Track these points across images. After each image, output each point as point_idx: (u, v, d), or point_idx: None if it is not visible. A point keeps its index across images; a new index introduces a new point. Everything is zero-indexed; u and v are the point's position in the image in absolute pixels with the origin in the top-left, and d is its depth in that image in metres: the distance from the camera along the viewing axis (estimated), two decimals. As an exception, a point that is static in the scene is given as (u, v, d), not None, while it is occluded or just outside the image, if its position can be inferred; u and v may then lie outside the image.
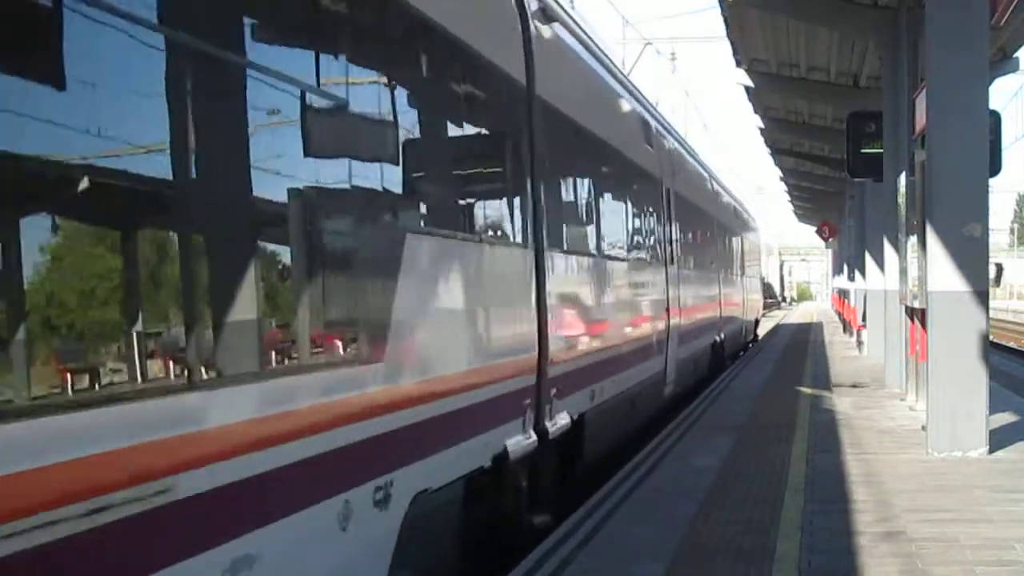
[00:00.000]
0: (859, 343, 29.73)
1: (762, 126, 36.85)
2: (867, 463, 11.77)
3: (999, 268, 40.99)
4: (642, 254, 15.49)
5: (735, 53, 26.63)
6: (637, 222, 15.36)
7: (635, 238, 15.15)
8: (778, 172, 52.72)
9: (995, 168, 14.71)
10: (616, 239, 13.65)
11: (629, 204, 14.82)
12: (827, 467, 11.54)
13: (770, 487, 10.48)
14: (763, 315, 78.87)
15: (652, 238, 16.46)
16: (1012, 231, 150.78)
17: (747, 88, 29.55)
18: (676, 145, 20.89)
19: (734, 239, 33.02)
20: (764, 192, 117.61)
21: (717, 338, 25.43)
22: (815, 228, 57.22)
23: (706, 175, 26.95)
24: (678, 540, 8.44)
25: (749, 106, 33.95)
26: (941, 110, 12.10)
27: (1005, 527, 8.75)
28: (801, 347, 33.59)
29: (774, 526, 8.84)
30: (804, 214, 71.99)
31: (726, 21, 23.34)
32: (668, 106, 46.36)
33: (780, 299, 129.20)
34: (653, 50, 52.82)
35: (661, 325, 16.34)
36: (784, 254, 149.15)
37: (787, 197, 66.50)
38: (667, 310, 16.84)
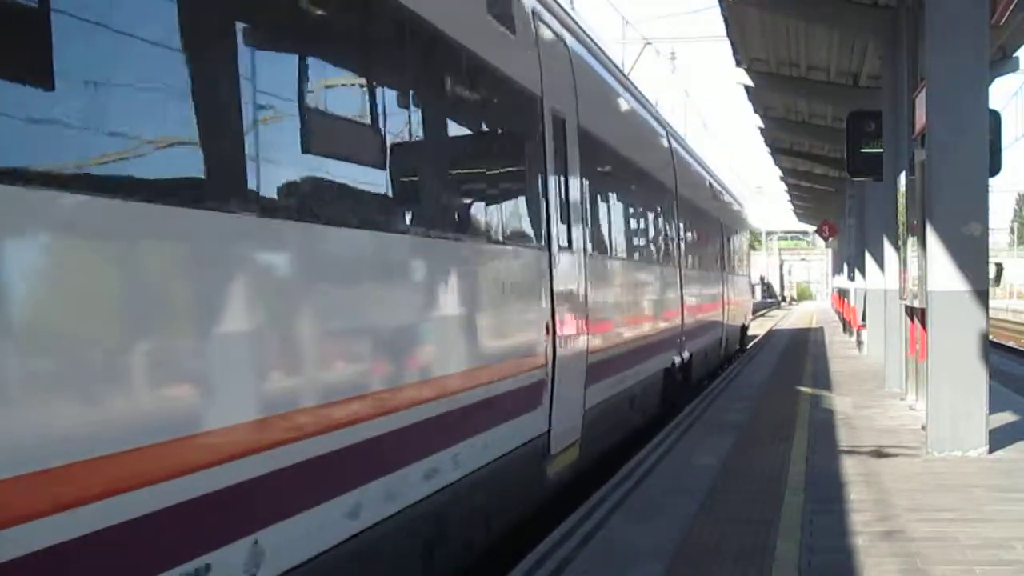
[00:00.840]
0: (859, 343, 29.74)
1: (762, 126, 36.85)
2: (867, 463, 11.78)
3: (999, 267, 40.97)
4: (476, 226, 8.41)
5: (735, 53, 26.63)
6: (456, 165, 8.13)
7: (447, 193, 7.94)
8: (778, 172, 52.72)
9: (995, 168, 14.69)
10: (371, 188, 6.64)
11: (426, 122, 7.58)
12: (827, 466, 11.54)
13: (770, 486, 10.48)
14: (762, 315, 78.99)
15: (511, 200, 9.34)
16: (1012, 230, 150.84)
17: (747, 88, 29.54)
18: (585, 56, 12.92)
19: (710, 224, 25.70)
20: (764, 192, 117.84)
21: (677, 359, 18.56)
22: (815, 228, 57.17)
23: (653, 123, 18.79)
24: (678, 540, 8.44)
25: (749, 106, 33.96)
26: (941, 110, 12.10)
27: (1005, 526, 8.75)
28: (801, 346, 33.58)
29: (774, 525, 8.84)
30: (804, 214, 72.01)
31: (726, 21, 23.34)
32: (668, 106, 46.13)
33: (780, 299, 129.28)
34: (653, 50, 52.82)
35: (534, 356, 9.43)
36: (784, 253, 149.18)
37: (787, 197, 66.53)
38: (550, 327, 9.79)
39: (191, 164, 4.73)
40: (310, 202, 5.75)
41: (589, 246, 11.59)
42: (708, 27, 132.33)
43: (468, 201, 8.33)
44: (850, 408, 16.70)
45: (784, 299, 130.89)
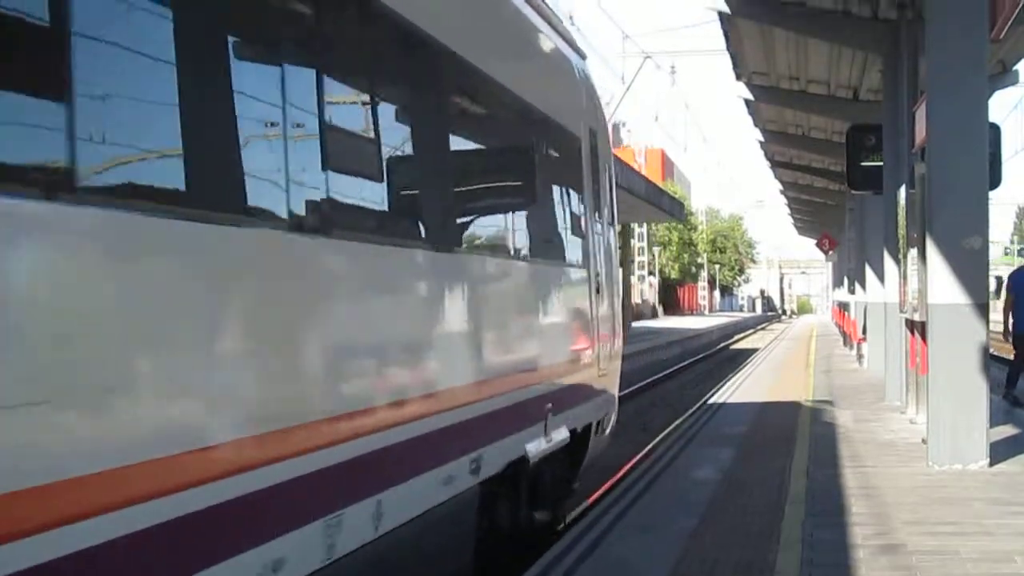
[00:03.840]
0: (859, 356, 29.75)
1: (762, 139, 36.88)
2: (867, 476, 11.77)
3: (999, 281, 40.99)
4: None
5: (735, 66, 26.66)
6: None
7: None
8: (778, 185, 52.76)
9: (995, 181, 14.73)
10: None
11: None
12: (827, 480, 11.53)
13: (770, 499, 10.47)
14: (762, 328, 78.74)
15: None
16: (1012, 243, 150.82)
17: (747, 101, 29.57)
18: None
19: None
20: (764, 205, 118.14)
21: None
22: (815, 241, 57.24)
23: None
24: (678, 553, 8.43)
25: (749, 119, 33.99)
26: (941, 123, 12.11)
27: (1005, 540, 8.74)
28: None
29: (774, 539, 8.83)
30: (804, 227, 72.07)
31: (726, 34, 23.36)
32: (668, 119, 46.00)
33: (780, 311, 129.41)
34: (653, 64, 52.91)
35: None
36: (784, 267, 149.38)
37: (787, 210, 66.59)
38: None
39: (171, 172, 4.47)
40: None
41: None
42: (708, 41, 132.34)
43: None
44: (850, 421, 16.69)
45: (784, 312, 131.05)
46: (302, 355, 5.58)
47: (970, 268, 11.93)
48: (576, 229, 11.30)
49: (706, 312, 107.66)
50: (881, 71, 20.63)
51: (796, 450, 13.70)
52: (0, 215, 3.66)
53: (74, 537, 3.85)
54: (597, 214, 12.17)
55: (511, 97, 9.28)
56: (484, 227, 8.85)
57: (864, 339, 28.20)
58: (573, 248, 11.11)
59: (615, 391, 12.98)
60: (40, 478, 3.73)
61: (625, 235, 61.21)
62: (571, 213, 11.23)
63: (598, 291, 11.80)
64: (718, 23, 22.26)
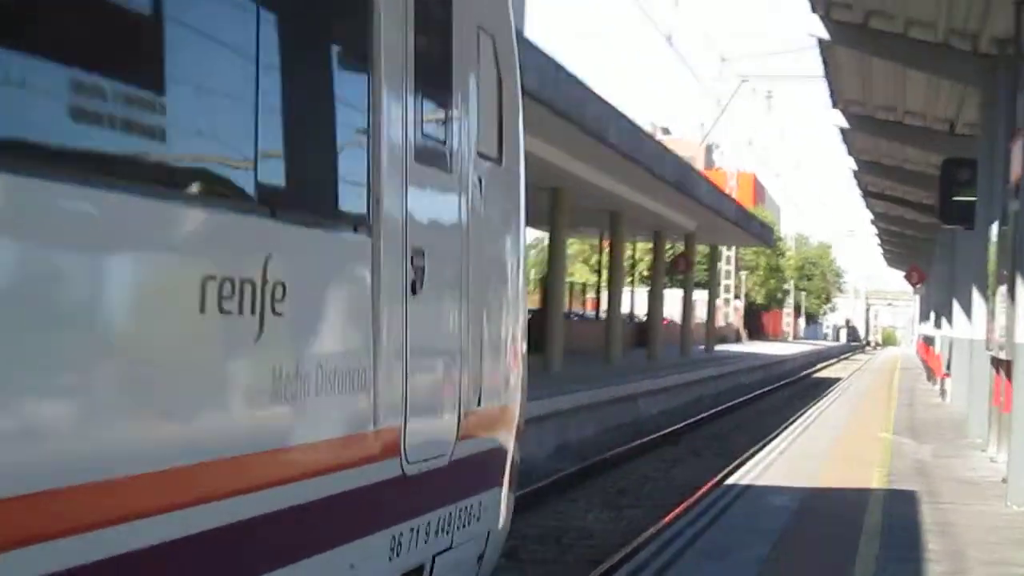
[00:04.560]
0: (943, 391, 29.48)
1: (855, 168, 36.63)
2: (944, 512, 11.68)
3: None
4: None
5: (831, 94, 26.55)
6: None
7: None
8: (869, 215, 52.36)
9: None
10: None
11: None
12: (903, 514, 11.46)
13: (845, 531, 10.43)
14: (845, 357, 77.95)
15: None
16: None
17: (842, 129, 29.41)
18: None
19: None
20: (855, 234, 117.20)
21: None
22: (903, 273, 56.71)
23: None
24: (749, 579, 8.44)
25: (843, 147, 33.79)
26: (1036, 161, 12.03)
27: (1082, 586, 8.66)
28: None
29: (848, 572, 8.80)
30: (893, 258, 71.47)
31: (824, 62, 23.29)
32: (761, 144, 45.86)
33: (865, 343, 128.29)
34: (749, 88, 52.82)
35: None
36: (871, 298, 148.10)
37: (877, 240, 66.05)
38: None
39: None
40: None
41: None
42: (806, 66, 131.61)
43: None
44: (930, 456, 16.55)
45: (868, 343, 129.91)
46: None
47: (1059, 309, 11.82)
48: (338, 146, 5.23)
49: (790, 339, 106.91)
50: (979, 105, 20.47)
51: (873, 482, 13.63)
52: None
53: None
54: (442, 130, 5.99)
55: None
56: None
57: (948, 374, 27.93)
58: (322, 186, 5.09)
59: (497, 486, 6.53)
60: None
61: (712, 258, 60.86)
62: (329, 111, 5.16)
63: (415, 289, 5.46)
64: (817, 50, 22.20)
